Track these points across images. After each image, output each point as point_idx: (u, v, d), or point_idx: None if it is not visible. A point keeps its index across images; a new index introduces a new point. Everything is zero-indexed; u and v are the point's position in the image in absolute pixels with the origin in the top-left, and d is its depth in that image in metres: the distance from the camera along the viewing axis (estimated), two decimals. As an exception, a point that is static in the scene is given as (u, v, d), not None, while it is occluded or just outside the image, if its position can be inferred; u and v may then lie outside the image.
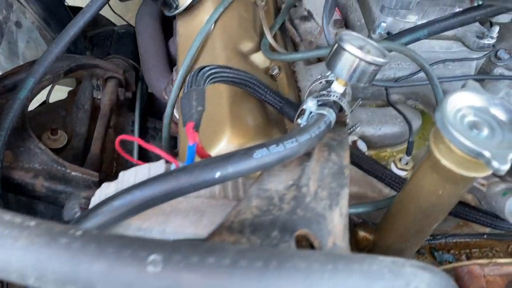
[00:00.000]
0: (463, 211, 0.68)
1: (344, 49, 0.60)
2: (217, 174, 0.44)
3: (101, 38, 1.40)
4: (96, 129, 1.05)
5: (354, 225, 0.79)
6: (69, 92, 1.21)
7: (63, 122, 1.10)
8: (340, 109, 0.64)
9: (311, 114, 0.59)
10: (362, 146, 0.74)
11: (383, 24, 0.83)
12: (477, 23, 0.90)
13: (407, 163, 0.76)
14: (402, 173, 0.75)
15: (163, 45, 1.11)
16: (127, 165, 1.05)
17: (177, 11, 0.86)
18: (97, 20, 1.64)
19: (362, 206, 0.66)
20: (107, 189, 0.53)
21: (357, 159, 0.68)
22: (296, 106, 0.67)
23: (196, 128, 0.53)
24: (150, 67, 1.10)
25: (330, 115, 0.59)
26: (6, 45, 1.34)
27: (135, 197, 0.44)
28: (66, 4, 1.35)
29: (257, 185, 0.48)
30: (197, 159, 0.52)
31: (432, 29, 0.80)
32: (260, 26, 0.85)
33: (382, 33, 0.83)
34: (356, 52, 0.59)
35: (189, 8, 0.88)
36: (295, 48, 0.94)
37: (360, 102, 0.70)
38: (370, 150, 0.80)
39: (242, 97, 0.70)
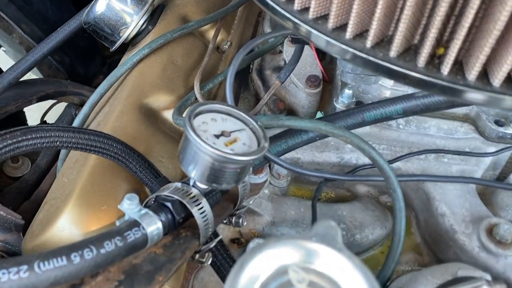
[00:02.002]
0: None
1: (188, 140, 0.41)
2: None
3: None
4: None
5: None
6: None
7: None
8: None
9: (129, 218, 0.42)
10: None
11: (348, 92, 0.61)
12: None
13: None
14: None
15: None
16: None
17: (113, 48, 0.74)
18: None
19: None
20: None
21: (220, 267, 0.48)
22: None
23: None
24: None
25: (148, 224, 0.41)
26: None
27: None
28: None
29: None
30: None
31: (409, 107, 0.56)
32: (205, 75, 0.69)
33: (346, 102, 0.62)
34: (204, 147, 0.40)
35: (134, 45, 0.75)
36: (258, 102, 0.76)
37: (252, 202, 0.50)
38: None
39: (112, 169, 0.55)
